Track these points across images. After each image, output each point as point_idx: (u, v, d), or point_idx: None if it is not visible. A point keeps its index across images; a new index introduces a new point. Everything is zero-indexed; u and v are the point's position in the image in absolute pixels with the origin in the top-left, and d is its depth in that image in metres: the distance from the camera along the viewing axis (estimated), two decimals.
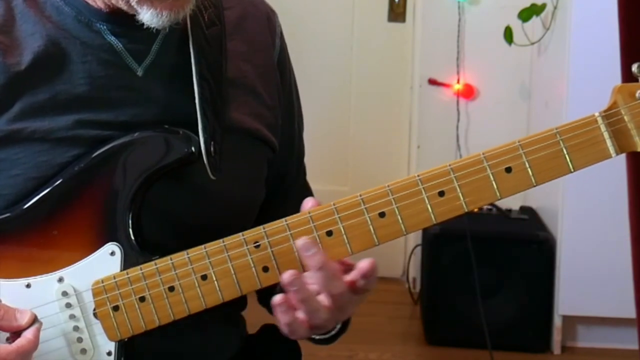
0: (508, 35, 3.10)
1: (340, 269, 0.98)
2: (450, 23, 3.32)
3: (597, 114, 0.97)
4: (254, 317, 1.22)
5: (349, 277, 0.97)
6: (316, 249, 0.95)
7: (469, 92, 3.37)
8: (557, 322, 2.98)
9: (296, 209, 1.00)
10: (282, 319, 0.97)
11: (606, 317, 2.96)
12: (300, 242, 0.96)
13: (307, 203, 0.99)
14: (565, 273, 2.93)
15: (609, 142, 0.97)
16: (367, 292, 0.99)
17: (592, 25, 2.76)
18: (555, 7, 3.03)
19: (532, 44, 3.16)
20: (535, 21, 3.09)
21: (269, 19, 1.21)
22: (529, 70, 3.34)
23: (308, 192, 1.29)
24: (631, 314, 2.03)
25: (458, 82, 3.35)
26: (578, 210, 2.85)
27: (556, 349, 2.99)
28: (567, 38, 2.86)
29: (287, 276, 0.95)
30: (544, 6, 3.04)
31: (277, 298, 0.96)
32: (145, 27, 1.04)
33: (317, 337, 1.07)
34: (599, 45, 2.64)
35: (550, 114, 3.10)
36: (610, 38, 2.08)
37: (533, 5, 3.04)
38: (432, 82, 3.39)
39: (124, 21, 1.05)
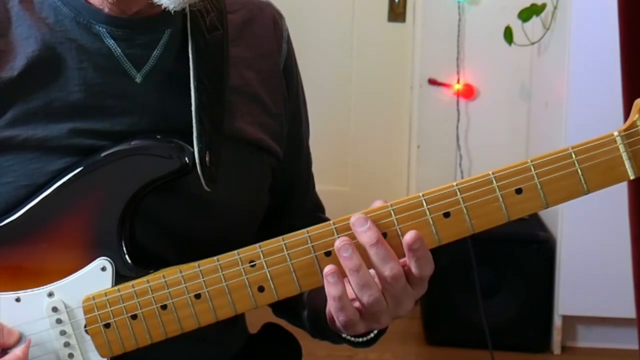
0: (508, 35, 3.10)
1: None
2: (450, 23, 3.32)
3: (616, 132, 0.89)
4: (255, 317, 1.21)
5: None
6: (370, 224, 0.91)
7: (469, 92, 3.37)
8: (557, 322, 2.98)
9: (304, 221, 0.97)
10: (331, 292, 0.92)
11: (606, 317, 2.96)
12: (353, 218, 0.91)
13: (376, 203, 0.94)
14: (565, 273, 2.93)
15: (627, 164, 0.89)
16: (422, 283, 0.95)
17: (592, 25, 2.76)
18: (555, 7, 3.03)
19: (532, 44, 3.15)
20: (535, 21, 3.08)
21: (275, 22, 1.16)
22: (529, 70, 3.34)
23: (318, 208, 1.26)
24: (631, 314, 2.04)
25: (458, 82, 3.35)
26: (578, 210, 2.84)
27: (556, 349, 2.99)
28: (567, 38, 2.86)
29: (339, 241, 0.91)
30: (544, 6, 3.04)
31: (329, 267, 0.91)
32: (146, 31, 1.02)
33: (354, 339, 1.03)
34: (599, 45, 2.64)
35: (550, 114, 3.10)
36: (610, 38, 2.08)
37: (533, 5, 3.04)
38: (432, 82, 3.39)
39: (125, 24, 1.02)
